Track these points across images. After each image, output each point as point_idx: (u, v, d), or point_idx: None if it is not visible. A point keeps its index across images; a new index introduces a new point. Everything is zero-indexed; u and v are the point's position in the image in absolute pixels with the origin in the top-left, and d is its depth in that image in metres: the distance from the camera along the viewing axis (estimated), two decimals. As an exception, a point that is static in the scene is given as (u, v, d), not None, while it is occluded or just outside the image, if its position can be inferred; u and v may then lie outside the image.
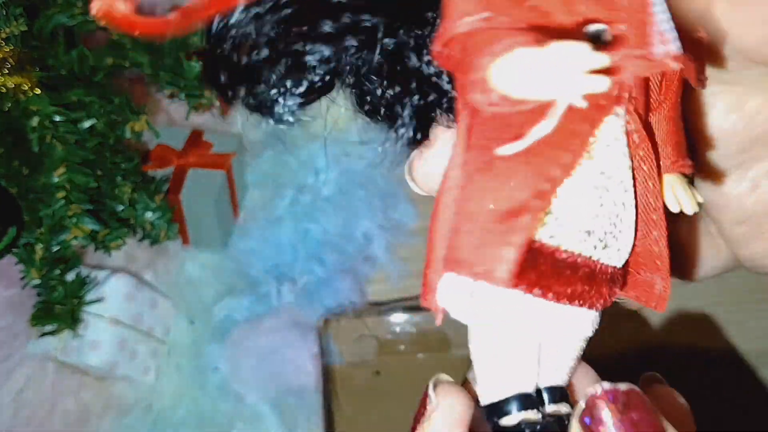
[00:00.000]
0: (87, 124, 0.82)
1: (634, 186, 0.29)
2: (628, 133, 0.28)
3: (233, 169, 1.03)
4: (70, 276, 0.87)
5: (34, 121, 0.79)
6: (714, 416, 0.84)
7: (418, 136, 0.32)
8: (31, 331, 0.87)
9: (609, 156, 0.28)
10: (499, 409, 0.31)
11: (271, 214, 1.05)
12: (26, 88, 0.78)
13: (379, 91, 0.30)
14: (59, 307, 0.86)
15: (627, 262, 0.30)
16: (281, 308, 0.98)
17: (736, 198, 0.34)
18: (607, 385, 0.29)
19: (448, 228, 0.29)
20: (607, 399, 0.28)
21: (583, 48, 0.24)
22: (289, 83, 0.30)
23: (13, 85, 0.78)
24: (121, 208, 0.87)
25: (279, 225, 1.04)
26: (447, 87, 0.31)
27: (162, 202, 0.90)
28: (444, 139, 0.31)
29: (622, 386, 0.28)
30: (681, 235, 0.38)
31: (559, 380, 0.31)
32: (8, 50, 0.78)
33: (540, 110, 0.26)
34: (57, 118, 0.79)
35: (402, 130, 0.31)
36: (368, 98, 0.31)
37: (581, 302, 0.29)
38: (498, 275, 0.27)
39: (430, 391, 0.33)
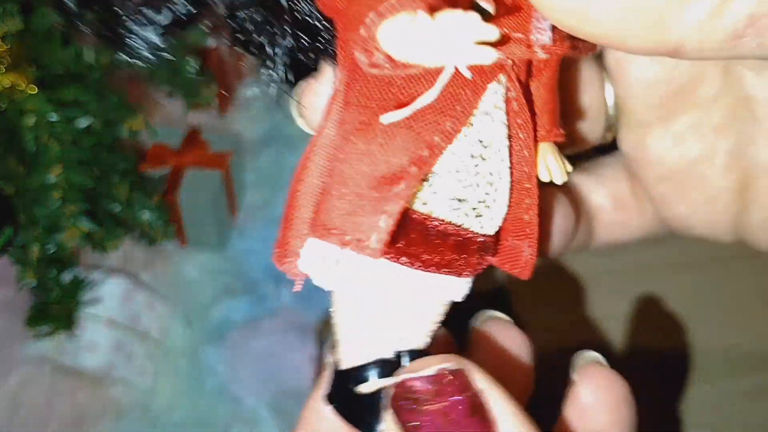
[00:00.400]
0: (83, 122, 0.81)
1: (510, 154, 0.29)
2: (507, 101, 0.28)
3: (231, 168, 1.03)
4: (67, 277, 0.86)
5: (30, 120, 0.78)
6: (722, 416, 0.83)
7: (291, 78, 0.29)
8: (27, 333, 0.87)
9: (488, 124, 0.28)
10: (356, 375, 0.30)
11: (269, 214, 1.05)
12: (23, 87, 0.78)
13: (250, 28, 0.28)
14: (55, 308, 0.86)
15: (498, 229, 0.30)
16: (280, 309, 0.97)
17: (659, 154, 0.34)
18: (417, 372, 0.27)
19: (316, 188, 0.28)
20: (416, 386, 0.27)
21: (474, 18, 0.24)
22: (148, 11, 0.26)
23: (9, 84, 0.77)
24: (117, 208, 0.87)
25: (278, 225, 1.04)
26: (326, 32, 0.29)
27: (159, 202, 0.90)
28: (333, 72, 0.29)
29: (431, 371, 0.27)
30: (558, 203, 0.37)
31: (421, 343, 0.30)
32: (4, 48, 0.78)
33: (424, 75, 0.26)
34: (53, 117, 0.78)
35: (277, 70, 0.29)
36: (240, 34, 0.28)
37: (449, 270, 0.29)
38: (369, 245, 0.26)
39: (327, 353, 0.32)
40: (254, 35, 0.28)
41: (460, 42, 0.24)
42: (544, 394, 0.34)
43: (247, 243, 1.03)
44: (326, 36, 0.28)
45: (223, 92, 1.01)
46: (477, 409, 0.27)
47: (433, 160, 0.27)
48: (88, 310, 0.88)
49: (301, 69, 0.29)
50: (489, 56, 0.24)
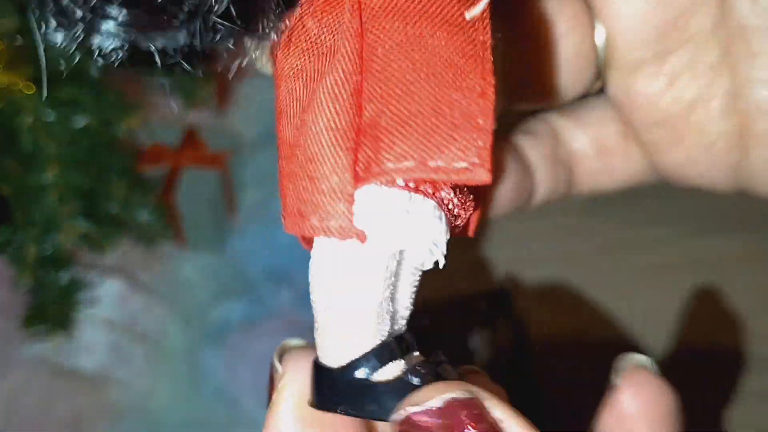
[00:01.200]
0: (80, 122, 0.80)
1: None
2: None
3: (230, 168, 1.02)
4: (64, 278, 0.86)
5: (27, 120, 0.78)
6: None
7: (217, 39, 0.22)
8: (25, 334, 0.86)
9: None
10: (361, 365, 0.25)
11: (268, 214, 1.04)
12: (20, 86, 0.77)
13: None
14: (53, 309, 0.85)
15: None
16: (279, 310, 0.97)
17: (652, 96, 0.31)
18: (423, 404, 0.23)
19: (350, 127, 0.22)
20: (422, 421, 0.23)
21: None
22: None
23: (6, 83, 0.77)
24: (115, 208, 0.86)
25: (277, 225, 1.03)
26: None
27: (157, 202, 0.89)
28: None
29: (438, 402, 0.23)
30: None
31: (402, 326, 0.26)
32: (1, 47, 0.77)
33: None
34: (50, 117, 0.78)
35: (180, 37, 0.21)
36: None
37: (462, 218, 0.24)
38: (479, 164, 0.20)
39: (275, 361, 0.28)
40: None
41: None
42: (545, 395, 0.32)
43: (246, 243, 1.02)
44: None
45: (222, 90, 1.00)
46: None
47: (493, 65, 0.21)
48: (86, 311, 0.88)
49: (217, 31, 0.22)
50: None
